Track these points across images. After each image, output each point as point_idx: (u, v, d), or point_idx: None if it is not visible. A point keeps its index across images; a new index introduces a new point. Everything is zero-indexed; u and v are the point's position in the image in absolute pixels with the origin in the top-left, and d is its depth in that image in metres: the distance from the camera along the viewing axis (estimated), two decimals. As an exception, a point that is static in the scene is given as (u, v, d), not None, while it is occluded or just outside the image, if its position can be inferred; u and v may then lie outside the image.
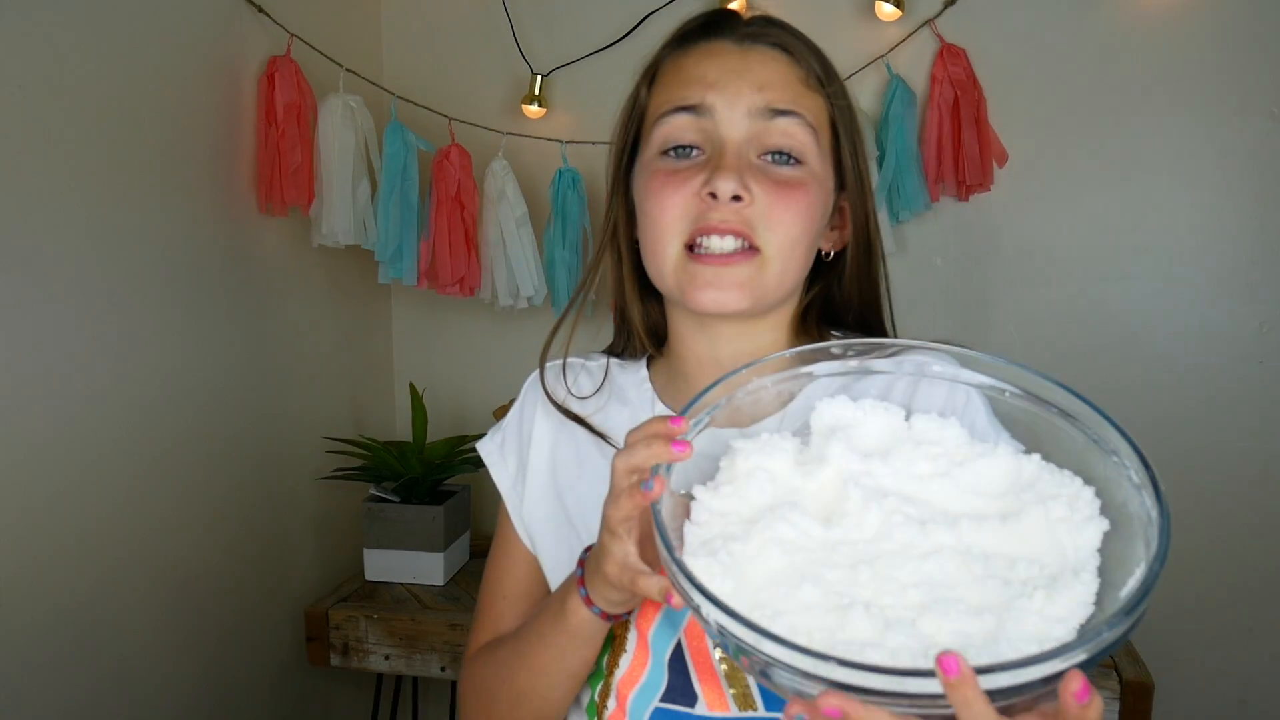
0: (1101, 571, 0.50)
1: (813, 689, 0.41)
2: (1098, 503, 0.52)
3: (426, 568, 1.60)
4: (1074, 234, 1.71)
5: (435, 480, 1.62)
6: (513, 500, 0.77)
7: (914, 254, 1.75)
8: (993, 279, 1.75)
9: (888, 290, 0.76)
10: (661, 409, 0.74)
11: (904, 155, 1.57)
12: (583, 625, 0.63)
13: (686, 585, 0.47)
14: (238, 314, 1.50)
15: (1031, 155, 1.67)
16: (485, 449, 0.81)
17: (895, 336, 0.75)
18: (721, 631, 0.45)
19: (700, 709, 0.67)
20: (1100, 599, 0.49)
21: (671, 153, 0.67)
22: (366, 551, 1.62)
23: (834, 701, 0.39)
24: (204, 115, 1.38)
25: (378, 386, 1.94)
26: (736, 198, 0.64)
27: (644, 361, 0.80)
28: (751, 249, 0.64)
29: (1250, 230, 1.63)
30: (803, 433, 0.60)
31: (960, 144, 1.57)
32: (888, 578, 0.51)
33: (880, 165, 1.59)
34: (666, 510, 0.53)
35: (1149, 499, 0.49)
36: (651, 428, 0.53)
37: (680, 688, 0.68)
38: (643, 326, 0.75)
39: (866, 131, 1.62)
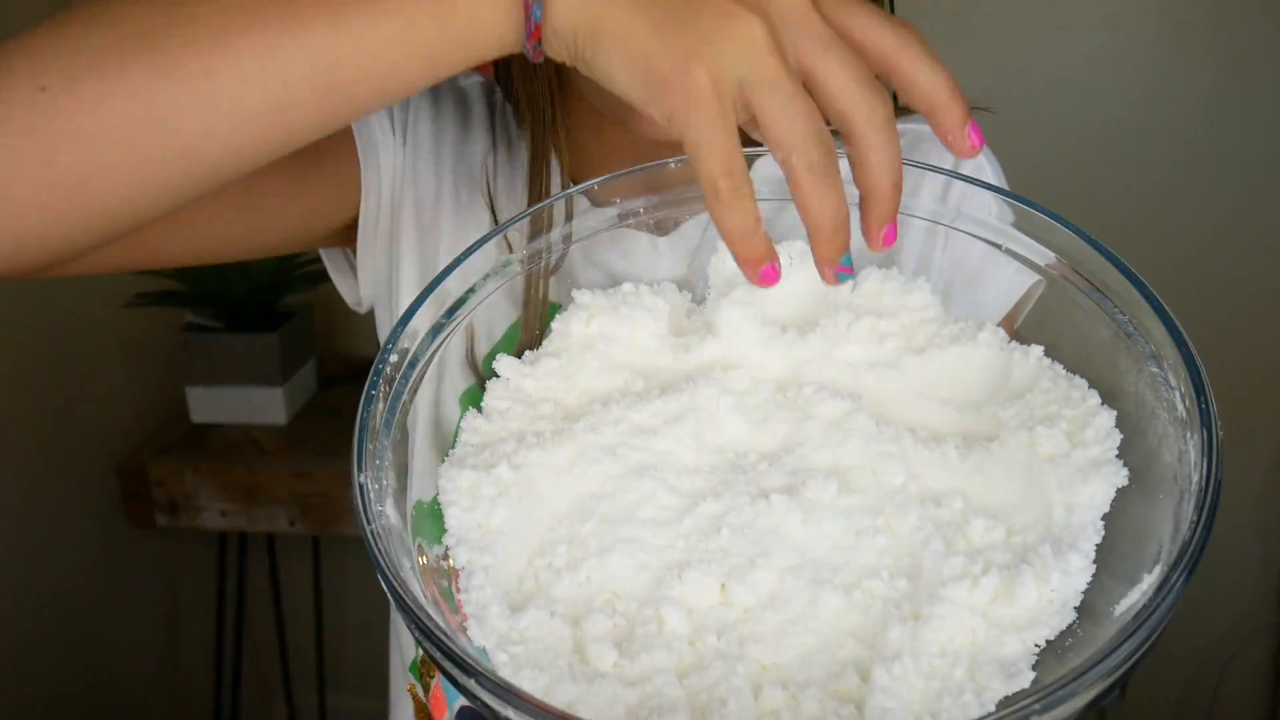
0: (1103, 552, 0.34)
1: None
2: (1118, 437, 0.35)
3: (264, 405, 1.47)
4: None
5: (265, 301, 1.46)
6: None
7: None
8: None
9: None
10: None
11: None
12: (472, 33, 0.31)
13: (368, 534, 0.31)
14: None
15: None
16: None
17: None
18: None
19: None
20: (1093, 601, 0.33)
21: None
22: (190, 390, 1.47)
23: None
24: None
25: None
26: None
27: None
28: None
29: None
30: (698, 284, 0.45)
31: None
32: None
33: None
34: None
35: (1193, 447, 0.32)
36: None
37: None
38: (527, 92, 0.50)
39: None
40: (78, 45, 0.32)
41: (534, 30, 0.30)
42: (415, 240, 0.56)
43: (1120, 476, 0.34)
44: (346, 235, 0.57)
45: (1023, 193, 0.37)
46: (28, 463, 1.33)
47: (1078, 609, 0.33)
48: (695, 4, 0.28)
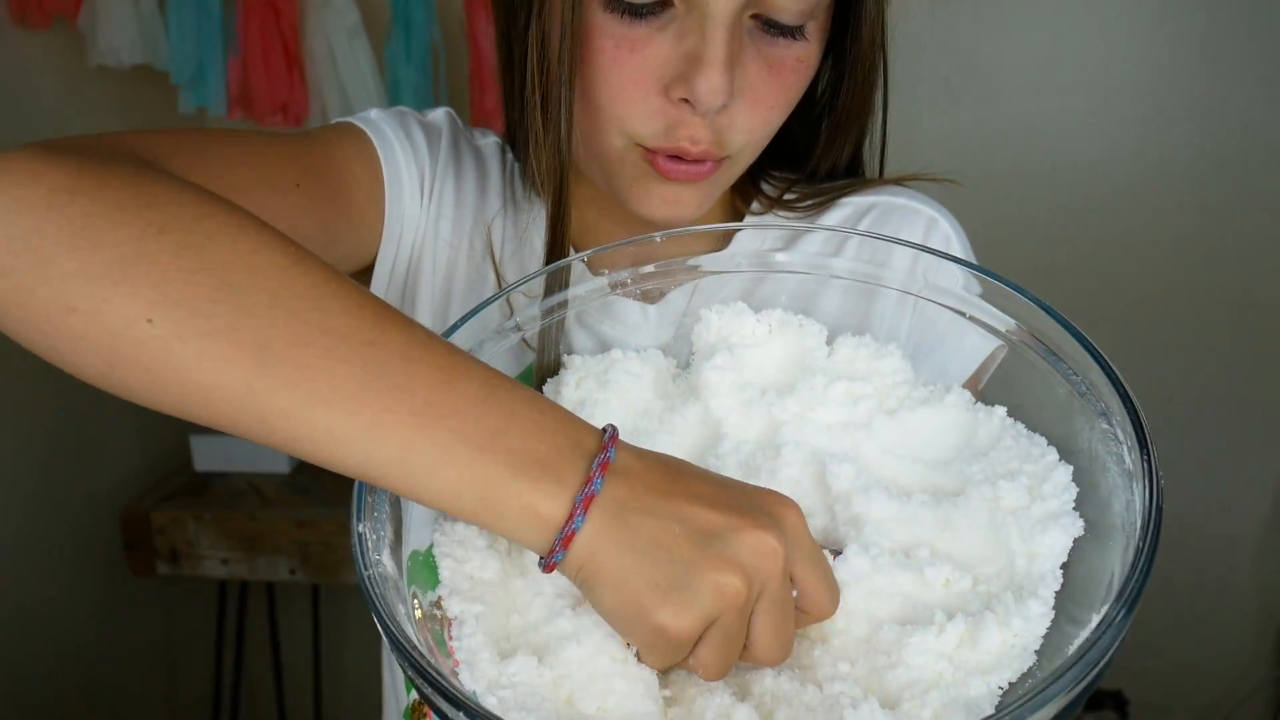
0: (1062, 599, 0.36)
1: None
2: (1074, 490, 0.38)
3: (267, 454, 1.49)
4: (999, 41, 1.58)
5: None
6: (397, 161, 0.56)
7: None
8: (910, 94, 1.58)
9: (884, 133, 0.60)
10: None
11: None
12: (497, 527, 0.35)
13: (360, 562, 0.34)
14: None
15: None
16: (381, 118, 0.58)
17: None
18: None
19: None
20: (1052, 645, 0.35)
21: (624, 10, 0.48)
22: (193, 438, 1.50)
23: None
24: None
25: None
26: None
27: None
28: (720, 159, 0.52)
29: (1194, 37, 1.53)
30: (682, 350, 0.48)
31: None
32: None
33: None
34: None
35: (1139, 496, 0.34)
36: None
37: None
38: (544, 168, 0.53)
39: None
40: (199, 306, 0.32)
41: (549, 565, 0.35)
42: (431, 297, 0.59)
43: (1077, 527, 0.36)
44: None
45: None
46: (31, 510, 1.35)
47: (1038, 653, 0.35)
48: (690, 570, 0.34)
